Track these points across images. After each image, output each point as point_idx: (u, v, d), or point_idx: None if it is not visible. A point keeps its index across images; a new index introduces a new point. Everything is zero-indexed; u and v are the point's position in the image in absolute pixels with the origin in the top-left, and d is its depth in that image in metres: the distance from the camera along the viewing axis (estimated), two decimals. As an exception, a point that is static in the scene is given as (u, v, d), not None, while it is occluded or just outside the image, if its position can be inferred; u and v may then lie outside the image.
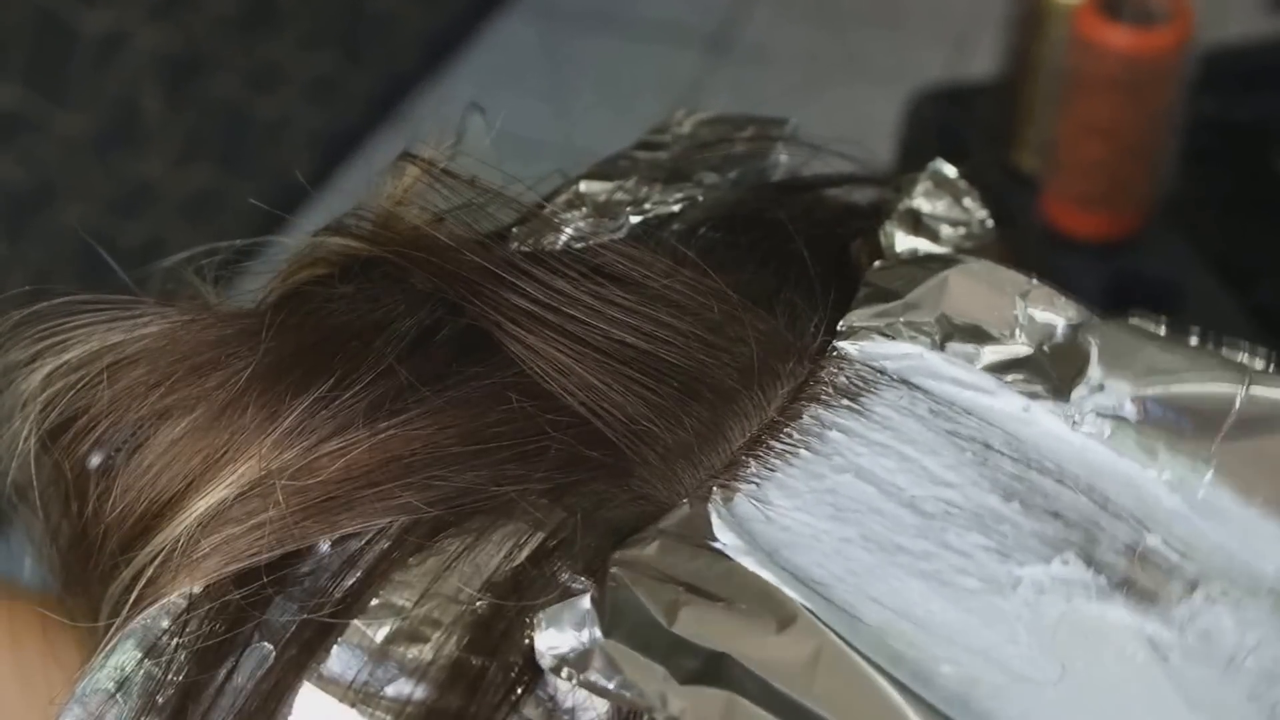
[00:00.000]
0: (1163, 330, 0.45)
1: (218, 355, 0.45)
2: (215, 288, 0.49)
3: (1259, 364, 0.44)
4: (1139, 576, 0.40)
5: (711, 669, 0.36)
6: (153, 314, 0.46)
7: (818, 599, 0.38)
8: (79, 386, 0.46)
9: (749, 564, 0.39)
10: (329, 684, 0.39)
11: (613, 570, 0.38)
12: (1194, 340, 0.45)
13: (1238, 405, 0.43)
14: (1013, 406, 0.43)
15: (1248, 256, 1.46)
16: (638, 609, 0.37)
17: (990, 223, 0.50)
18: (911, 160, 0.50)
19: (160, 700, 0.41)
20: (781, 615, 0.37)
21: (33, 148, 2.05)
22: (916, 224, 0.49)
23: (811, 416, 0.43)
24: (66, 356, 0.46)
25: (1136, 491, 0.42)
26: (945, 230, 0.49)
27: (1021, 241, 1.41)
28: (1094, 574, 0.40)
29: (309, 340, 0.44)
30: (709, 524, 0.39)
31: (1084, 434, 0.43)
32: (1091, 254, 1.42)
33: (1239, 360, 0.44)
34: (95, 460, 0.46)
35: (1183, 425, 0.43)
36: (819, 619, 0.37)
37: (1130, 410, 0.43)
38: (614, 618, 0.37)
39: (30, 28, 2.00)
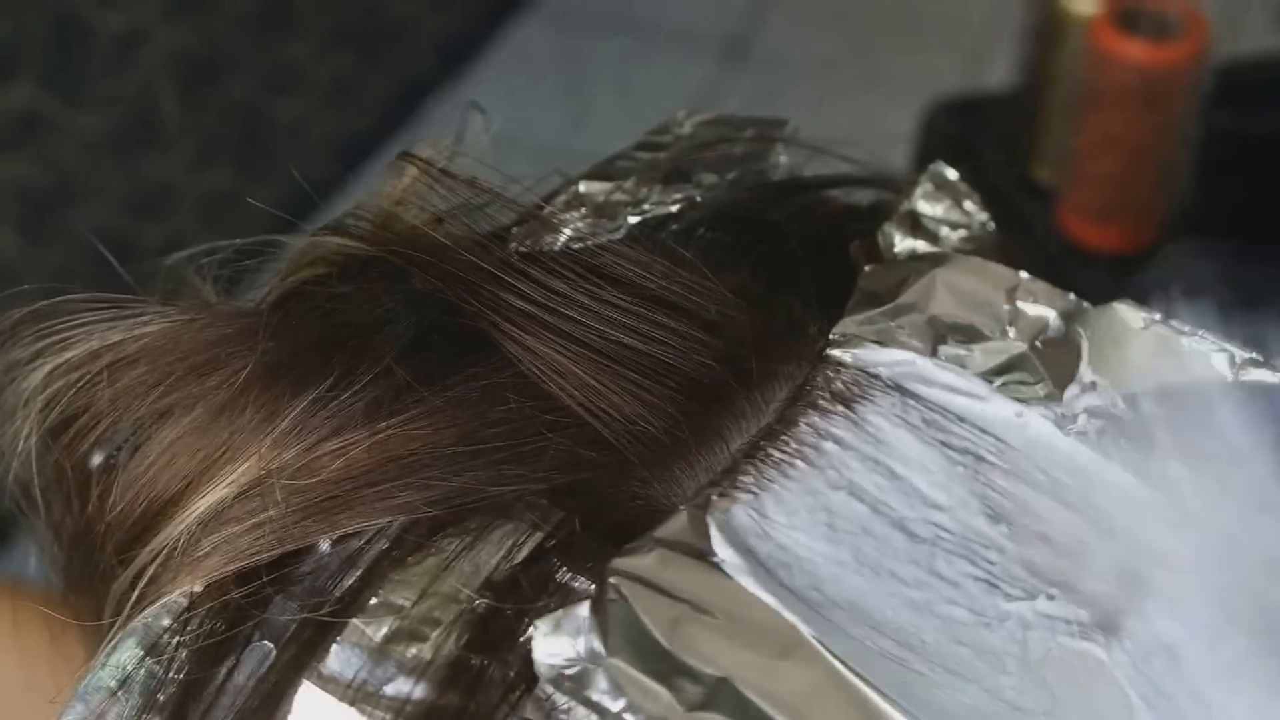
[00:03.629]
0: (1157, 317, 0.44)
1: (217, 355, 0.45)
2: (224, 288, 0.50)
3: (1248, 355, 0.44)
4: (1126, 606, 0.40)
5: (715, 695, 0.36)
6: (153, 313, 0.46)
7: (818, 621, 0.38)
8: (80, 385, 0.46)
9: (749, 584, 0.38)
10: (328, 683, 0.39)
11: (611, 581, 0.38)
12: (1185, 328, 0.44)
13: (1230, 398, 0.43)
14: (1006, 412, 0.43)
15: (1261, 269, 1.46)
16: (639, 628, 0.37)
17: (991, 225, 0.50)
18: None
19: (161, 698, 0.41)
20: (783, 641, 0.37)
21: (50, 148, 2.05)
22: (915, 226, 0.49)
23: (808, 424, 0.42)
24: (67, 355, 0.46)
25: (1128, 500, 0.42)
26: (945, 232, 0.49)
27: (1038, 254, 1.41)
28: (1077, 608, 0.40)
29: (308, 340, 0.44)
30: (707, 536, 0.39)
31: (1075, 437, 0.43)
32: (1107, 267, 1.42)
33: (1230, 351, 0.44)
34: (96, 459, 0.46)
35: (1173, 421, 0.43)
36: (821, 645, 0.37)
37: (1122, 409, 0.43)
38: (616, 636, 0.37)
39: (47, 28, 2.00)
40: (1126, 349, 0.44)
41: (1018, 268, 0.46)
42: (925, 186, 0.50)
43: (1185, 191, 1.42)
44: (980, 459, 0.42)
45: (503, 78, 2.90)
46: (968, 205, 0.50)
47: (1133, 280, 1.39)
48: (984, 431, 0.43)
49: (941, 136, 1.59)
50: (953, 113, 1.61)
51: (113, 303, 0.46)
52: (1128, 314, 0.45)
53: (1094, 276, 1.41)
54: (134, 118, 2.19)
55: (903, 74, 2.80)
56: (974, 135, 1.58)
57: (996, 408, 0.43)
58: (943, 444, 0.43)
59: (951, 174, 0.50)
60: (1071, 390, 0.43)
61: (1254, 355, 0.44)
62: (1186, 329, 0.44)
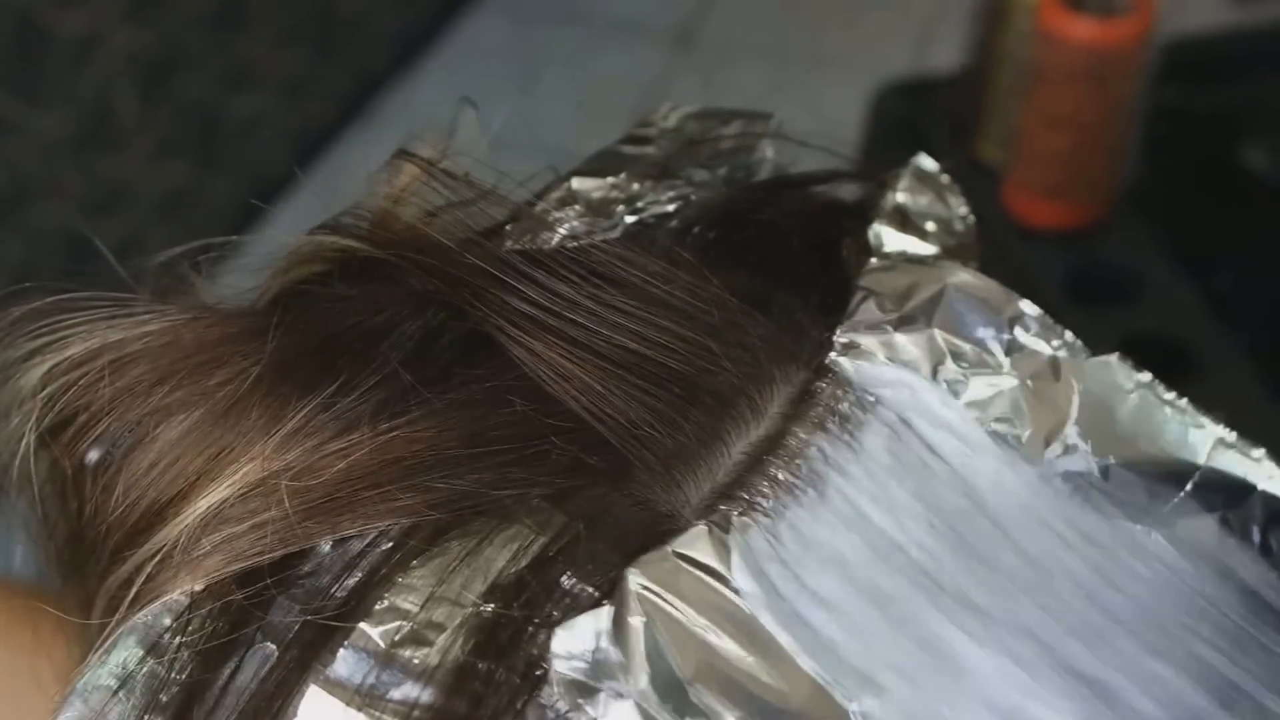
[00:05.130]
0: (1146, 379, 0.44)
1: (220, 354, 0.44)
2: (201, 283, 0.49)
3: (1230, 437, 0.44)
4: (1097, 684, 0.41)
5: None
6: (153, 312, 0.46)
7: (835, 666, 0.39)
8: (80, 383, 0.45)
9: (767, 621, 0.39)
10: (335, 687, 0.39)
11: (634, 593, 0.38)
12: (1169, 395, 0.44)
13: (1193, 481, 0.43)
14: (990, 468, 0.43)
15: (1207, 245, 1.48)
16: (661, 656, 0.37)
17: (971, 219, 0.50)
18: (874, 153, 0.50)
19: (164, 699, 0.41)
20: (800, 693, 0.38)
21: (9, 149, 2.05)
22: (904, 222, 0.48)
23: (817, 449, 0.42)
24: (67, 353, 0.45)
25: (1081, 594, 0.42)
26: (930, 227, 0.49)
27: (984, 232, 1.42)
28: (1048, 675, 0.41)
29: (313, 342, 0.44)
30: (728, 561, 0.39)
31: (1051, 495, 0.43)
32: (1053, 243, 1.42)
33: (1218, 435, 0.44)
34: (94, 457, 0.45)
35: (1136, 496, 0.43)
36: (835, 697, 0.38)
37: (1097, 476, 0.43)
38: (639, 661, 0.37)
39: (6, 31, 2.00)
40: (1113, 411, 0.44)
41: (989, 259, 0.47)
42: (907, 180, 0.49)
43: (1132, 168, 1.43)
44: (959, 517, 0.42)
45: (456, 70, 2.89)
46: (949, 198, 0.50)
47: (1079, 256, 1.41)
48: (966, 493, 0.43)
49: (889, 118, 1.59)
50: (900, 95, 1.61)
51: (111, 300, 0.46)
52: (1120, 372, 0.44)
53: (1040, 253, 1.42)
54: (92, 117, 2.19)
55: (851, 58, 2.81)
56: (921, 117, 1.58)
57: (983, 463, 0.43)
58: (932, 490, 0.43)
59: (932, 165, 0.50)
60: (1054, 448, 0.43)
61: (1226, 435, 0.44)
62: (1170, 397, 0.44)
